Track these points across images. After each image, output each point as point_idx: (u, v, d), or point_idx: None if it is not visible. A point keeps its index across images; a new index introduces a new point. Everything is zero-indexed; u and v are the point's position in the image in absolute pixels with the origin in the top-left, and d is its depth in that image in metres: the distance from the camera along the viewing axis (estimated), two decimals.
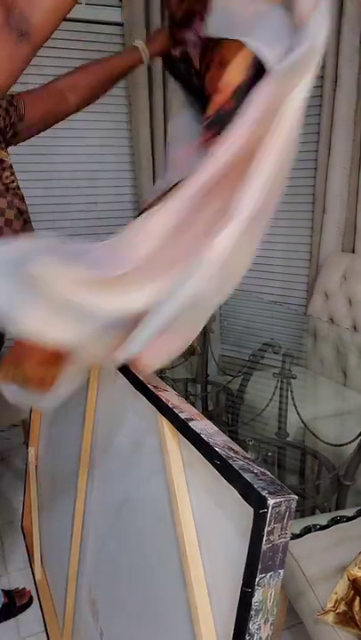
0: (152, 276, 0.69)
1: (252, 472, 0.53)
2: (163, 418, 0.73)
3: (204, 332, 2.31)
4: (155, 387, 0.77)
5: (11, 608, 1.57)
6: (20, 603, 1.59)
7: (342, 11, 2.01)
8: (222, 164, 0.68)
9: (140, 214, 0.82)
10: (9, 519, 2.00)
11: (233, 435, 1.98)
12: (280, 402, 1.83)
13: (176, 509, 0.70)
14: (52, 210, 2.53)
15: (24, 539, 1.87)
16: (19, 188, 1.11)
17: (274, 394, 1.82)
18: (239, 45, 0.74)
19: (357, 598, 0.99)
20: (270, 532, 0.49)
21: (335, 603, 1.01)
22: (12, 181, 1.08)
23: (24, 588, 1.65)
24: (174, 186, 0.77)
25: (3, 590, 1.59)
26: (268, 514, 0.49)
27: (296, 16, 0.70)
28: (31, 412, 1.72)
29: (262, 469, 0.54)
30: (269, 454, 1.62)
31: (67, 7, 0.77)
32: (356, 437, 1.48)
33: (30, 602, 1.61)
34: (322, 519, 1.03)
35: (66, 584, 1.28)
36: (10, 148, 1.12)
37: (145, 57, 1.16)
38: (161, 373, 2.19)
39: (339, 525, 1.02)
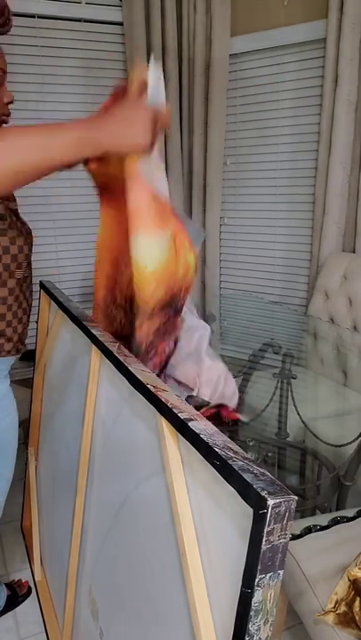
0: None
1: (252, 472, 0.53)
2: (162, 418, 0.73)
3: None
4: (154, 387, 0.77)
5: (13, 599, 1.61)
6: (20, 593, 1.64)
7: (342, 10, 2.01)
8: None
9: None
10: (9, 519, 2.00)
11: (233, 435, 1.98)
12: (280, 402, 1.83)
13: (175, 510, 0.70)
14: (51, 210, 2.54)
15: (24, 539, 1.87)
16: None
17: (274, 394, 1.82)
18: None
19: (358, 599, 0.99)
20: (270, 533, 0.49)
21: (335, 603, 1.01)
22: None
23: (20, 580, 1.69)
24: None
25: (5, 584, 1.63)
26: (268, 514, 0.48)
27: None
28: (31, 412, 1.72)
29: (262, 470, 0.54)
30: (269, 454, 1.62)
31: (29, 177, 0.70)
32: (357, 438, 1.48)
33: (29, 592, 1.66)
34: (322, 520, 1.03)
35: (66, 584, 1.27)
36: None
37: None
38: None
39: (339, 526, 1.01)
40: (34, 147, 0.70)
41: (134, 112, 0.76)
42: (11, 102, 1.07)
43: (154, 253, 0.89)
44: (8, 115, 1.10)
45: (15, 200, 1.15)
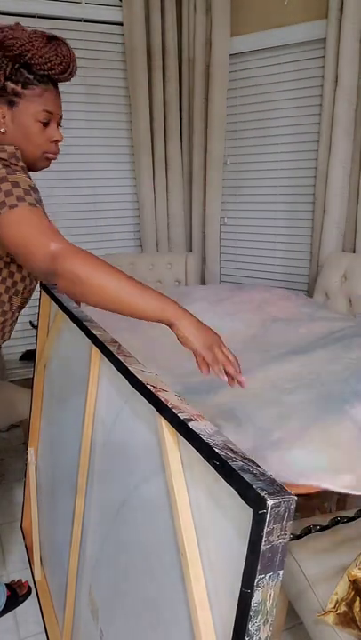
0: None
1: (252, 472, 0.53)
2: (162, 418, 0.73)
3: None
4: (154, 387, 0.77)
5: (13, 599, 1.62)
6: (20, 593, 1.64)
7: (342, 10, 2.01)
8: None
9: None
10: (9, 519, 2.00)
11: None
12: None
13: (175, 510, 0.70)
14: (51, 210, 2.53)
15: (24, 539, 1.87)
16: None
17: None
18: None
19: (358, 599, 0.99)
20: (270, 533, 0.49)
21: (335, 603, 1.01)
22: None
23: (20, 580, 1.69)
24: None
25: (5, 584, 1.63)
26: (268, 514, 0.48)
27: None
28: (31, 412, 1.72)
29: (262, 470, 0.54)
30: None
31: None
32: None
33: (29, 592, 1.66)
34: (322, 520, 1.03)
35: (66, 584, 1.27)
36: None
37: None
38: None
39: (339, 526, 1.01)
40: (126, 301, 0.93)
41: (208, 329, 0.96)
42: (59, 141, 1.14)
43: None
44: (56, 153, 1.18)
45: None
